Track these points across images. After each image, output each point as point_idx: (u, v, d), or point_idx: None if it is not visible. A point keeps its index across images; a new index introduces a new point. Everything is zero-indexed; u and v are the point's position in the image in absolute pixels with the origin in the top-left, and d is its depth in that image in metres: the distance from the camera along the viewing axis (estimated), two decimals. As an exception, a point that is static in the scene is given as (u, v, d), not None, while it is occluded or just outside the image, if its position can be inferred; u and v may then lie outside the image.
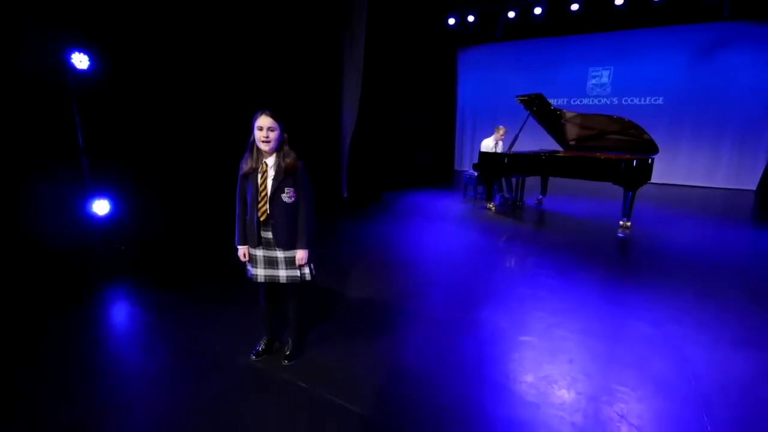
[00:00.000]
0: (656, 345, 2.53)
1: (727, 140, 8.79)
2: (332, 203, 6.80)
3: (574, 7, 8.41)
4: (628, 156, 5.25)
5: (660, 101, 9.14)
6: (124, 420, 1.88)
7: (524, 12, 8.89)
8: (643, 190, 8.43)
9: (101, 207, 3.70)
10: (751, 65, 8.23)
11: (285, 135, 2.07)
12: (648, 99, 9.24)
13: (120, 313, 3.01)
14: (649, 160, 5.22)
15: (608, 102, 9.55)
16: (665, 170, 9.44)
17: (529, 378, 2.19)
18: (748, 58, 8.25)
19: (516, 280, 3.64)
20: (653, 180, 9.37)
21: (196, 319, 2.83)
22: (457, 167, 11.93)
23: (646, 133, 5.30)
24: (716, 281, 3.59)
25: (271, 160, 2.05)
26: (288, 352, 2.32)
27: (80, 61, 3.20)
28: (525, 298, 3.22)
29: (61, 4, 3.12)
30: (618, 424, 1.84)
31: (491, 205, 6.35)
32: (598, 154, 5.65)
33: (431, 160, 10.79)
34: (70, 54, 3.17)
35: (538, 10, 8.69)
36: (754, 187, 8.70)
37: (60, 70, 3.16)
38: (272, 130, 1.99)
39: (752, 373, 2.25)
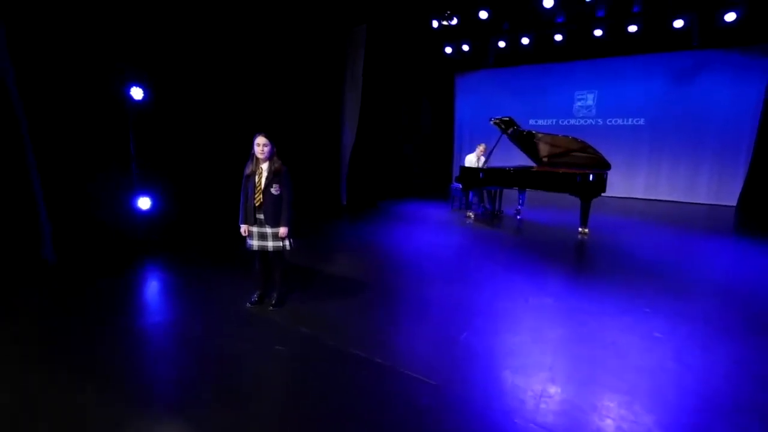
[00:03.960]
0: (556, 311, 3.34)
1: (707, 158, 9.36)
2: (332, 208, 7.80)
3: (558, 37, 9.35)
4: (587, 171, 6.03)
5: (641, 122, 9.84)
6: (157, 334, 2.86)
7: (513, 42, 9.86)
8: (628, 204, 9.20)
9: (144, 203, 4.81)
10: (723, 88, 8.88)
11: (275, 149, 3.06)
12: (630, 120, 9.96)
13: (155, 276, 4.05)
14: (604, 175, 5.99)
15: (594, 123, 10.31)
16: (649, 186, 10.06)
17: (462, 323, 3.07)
18: (720, 81, 8.91)
19: (471, 268, 4.49)
20: (639, 195, 10.18)
21: (208, 281, 3.86)
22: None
23: (599, 152, 6.11)
24: (635, 272, 4.35)
25: (265, 166, 3.05)
26: (273, 302, 3.27)
27: (137, 93, 4.35)
28: (477, 280, 4.11)
29: (125, 54, 4.29)
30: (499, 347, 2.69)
31: (470, 213, 7.20)
32: (562, 169, 6.43)
33: (430, 175, 11.71)
34: (130, 88, 4.32)
35: (525, 40, 9.66)
36: (734, 203, 9.21)
37: (122, 99, 4.32)
38: (266, 146, 2.99)
39: (608, 330, 3.04)
